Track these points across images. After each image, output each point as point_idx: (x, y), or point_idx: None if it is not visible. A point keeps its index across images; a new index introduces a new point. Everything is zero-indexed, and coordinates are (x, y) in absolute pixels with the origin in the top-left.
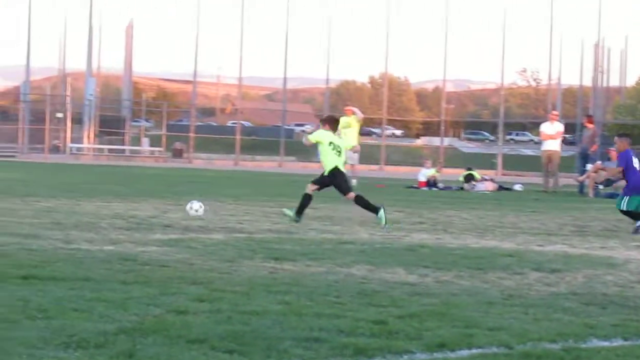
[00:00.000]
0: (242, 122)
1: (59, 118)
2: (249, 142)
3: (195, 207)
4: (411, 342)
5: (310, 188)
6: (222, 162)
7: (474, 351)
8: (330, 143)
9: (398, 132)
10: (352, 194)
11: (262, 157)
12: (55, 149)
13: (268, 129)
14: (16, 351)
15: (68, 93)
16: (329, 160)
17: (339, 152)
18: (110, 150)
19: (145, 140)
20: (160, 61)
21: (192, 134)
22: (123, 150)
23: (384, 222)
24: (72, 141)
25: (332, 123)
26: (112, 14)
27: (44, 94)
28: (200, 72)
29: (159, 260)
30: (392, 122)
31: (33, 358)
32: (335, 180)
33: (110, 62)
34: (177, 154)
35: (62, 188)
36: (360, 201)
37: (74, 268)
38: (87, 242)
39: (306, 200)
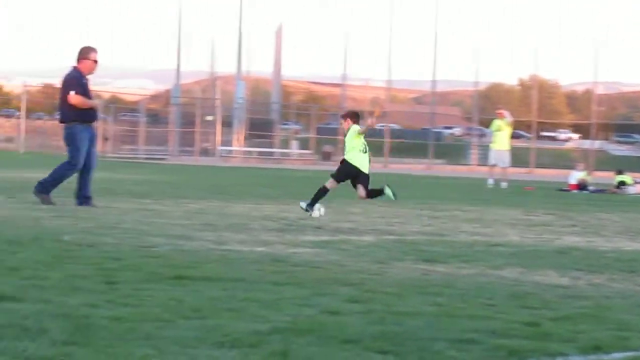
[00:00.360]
0: (391, 124)
1: (208, 121)
2: (398, 145)
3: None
4: (565, 344)
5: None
6: (371, 165)
7: (629, 354)
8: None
9: (575, 135)
10: (329, 184)
11: (410, 159)
12: (205, 152)
13: (416, 131)
14: (171, 350)
15: (218, 96)
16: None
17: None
18: (259, 153)
19: (294, 143)
20: (309, 64)
21: (340, 137)
22: (272, 153)
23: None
24: (222, 144)
25: (353, 117)
26: (261, 18)
27: (194, 97)
28: (349, 75)
29: (311, 261)
30: (541, 125)
31: (188, 357)
32: (339, 166)
33: (260, 65)
34: (326, 156)
35: (212, 190)
36: (321, 192)
37: (226, 269)
38: (239, 243)
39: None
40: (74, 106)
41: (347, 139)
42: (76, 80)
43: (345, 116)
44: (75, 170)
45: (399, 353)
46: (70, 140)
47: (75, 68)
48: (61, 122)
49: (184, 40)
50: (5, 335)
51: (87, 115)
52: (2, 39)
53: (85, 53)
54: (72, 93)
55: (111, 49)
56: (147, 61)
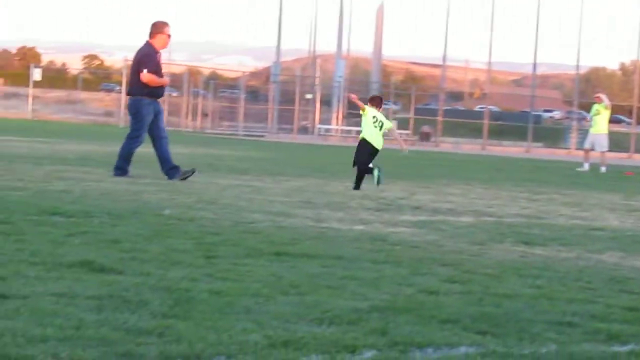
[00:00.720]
0: (490, 107)
1: (308, 99)
2: (497, 127)
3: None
4: None
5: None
6: (469, 147)
7: None
8: (374, 117)
9: None
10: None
11: (509, 142)
12: (304, 130)
13: (516, 114)
14: (271, 324)
15: (317, 75)
16: (365, 131)
17: (380, 127)
18: (357, 132)
19: (393, 123)
20: (409, 44)
21: (439, 118)
22: None
23: (376, 181)
24: (321, 122)
25: (376, 101)
26: None
27: (294, 75)
28: (449, 56)
29: (409, 241)
30: None
31: (288, 332)
32: (358, 148)
33: (360, 44)
34: (425, 137)
35: (311, 168)
36: (360, 176)
37: (325, 246)
38: (337, 222)
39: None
40: (144, 82)
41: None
42: (149, 58)
43: (370, 101)
44: (139, 142)
45: (498, 334)
46: (135, 112)
47: (148, 43)
48: (128, 94)
49: (285, 17)
50: (105, 306)
51: (154, 92)
52: (103, 14)
53: (159, 28)
54: (145, 71)
55: (212, 26)
56: (247, 38)
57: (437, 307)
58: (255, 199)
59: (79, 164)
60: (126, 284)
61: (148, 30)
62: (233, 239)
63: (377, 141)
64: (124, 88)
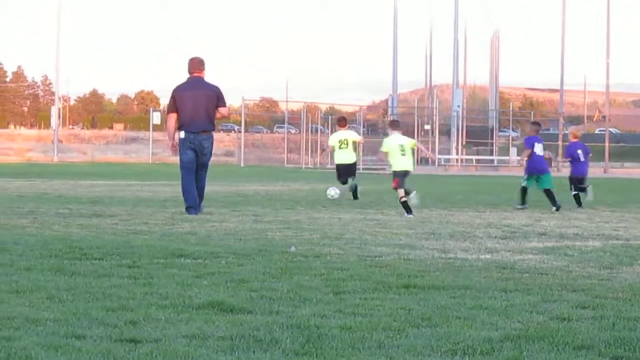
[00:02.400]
0: (610, 129)
1: (426, 130)
2: (618, 149)
3: (331, 192)
4: None
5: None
6: (590, 170)
7: None
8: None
9: None
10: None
11: (631, 164)
12: (425, 161)
13: (637, 135)
14: (403, 358)
15: (435, 105)
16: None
17: (346, 144)
18: (477, 161)
19: (513, 150)
20: (525, 70)
21: (560, 143)
22: (491, 161)
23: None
24: (440, 152)
25: (341, 122)
26: (477, 25)
27: (412, 107)
28: (567, 80)
29: (537, 268)
30: None
31: None
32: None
33: (476, 72)
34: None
35: (433, 198)
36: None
37: (453, 276)
38: (464, 251)
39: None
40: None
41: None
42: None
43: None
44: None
45: (634, 359)
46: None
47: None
48: (205, 131)
49: (400, 49)
50: (237, 347)
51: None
52: (223, 55)
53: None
54: (227, 106)
55: (328, 61)
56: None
57: (570, 334)
58: (379, 232)
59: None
60: (256, 323)
61: (196, 66)
62: (360, 274)
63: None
64: (242, 127)
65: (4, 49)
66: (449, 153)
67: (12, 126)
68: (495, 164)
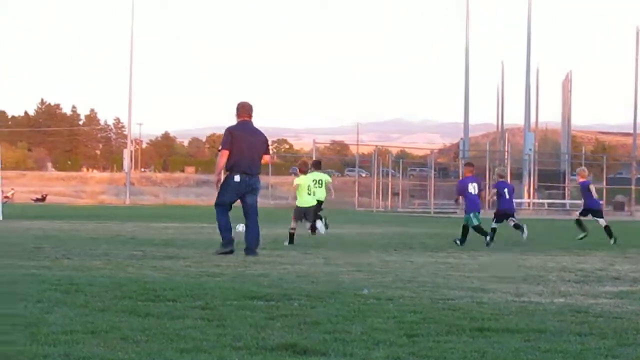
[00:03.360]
0: None
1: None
2: None
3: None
4: None
5: None
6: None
7: None
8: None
9: None
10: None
11: None
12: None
13: None
14: None
15: (507, 149)
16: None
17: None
18: (549, 205)
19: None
20: (597, 113)
21: (633, 187)
22: (563, 204)
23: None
24: None
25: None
26: (549, 67)
27: (483, 150)
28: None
29: (612, 311)
30: None
31: None
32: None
33: (548, 115)
34: (619, 206)
35: (505, 242)
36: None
37: (527, 320)
38: (537, 295)
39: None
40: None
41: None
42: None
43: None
44: None
45: None
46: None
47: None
48: (254, 175)
49: (471, 93)
50: None
51: None
52: (290, 99)
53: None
54: (270, 154)
55: (399, 104)
56: (434, 115)
57: None
58: (452, 275)
59: (273, 247)
60: None
61: (248, 111)
62: (433, 316)
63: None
64: None
65: (78, 92)
66: (520, 197)
67: (84, 169)
68: (567, 207)
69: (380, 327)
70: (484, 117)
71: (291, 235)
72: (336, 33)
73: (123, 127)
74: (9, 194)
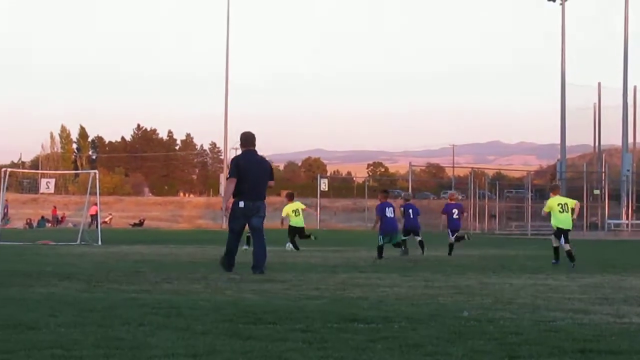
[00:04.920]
0: None
1: (596, 195)
2: None
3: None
4: None
5: None
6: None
7: None
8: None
9: None
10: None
11: None
12: (594, 226)
13: None
14: None
15: (604, 169)
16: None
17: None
18: None
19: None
20: None
21: None
22: None
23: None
24: (610, 217)
25: (289, 197)
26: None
27: (580, 172)
28: None
29: None
30: None
31: None
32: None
33: None
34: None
35: (604, 264)
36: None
37: (629, 341)
38: (638, 316)
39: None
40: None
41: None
42: None
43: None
44: None
45: None
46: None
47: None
48: (258, 200)
49: (568, 115)
50: None
51: None
52: (385, 122)
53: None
54: (274, 180)
55: (495, 127)
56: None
57: None
58: (552, 297)
59: (372, 271)
60: None
61: (253, 141)
62: (534, 338)
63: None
64: (410, 193)
65: (174, 117)
66: (618, 218)
67: (181, 194)
68: None
69: (482, 349)
70: (580, 138)
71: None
72: (433, 56)
73: (219, 151)
74: (107, 219)
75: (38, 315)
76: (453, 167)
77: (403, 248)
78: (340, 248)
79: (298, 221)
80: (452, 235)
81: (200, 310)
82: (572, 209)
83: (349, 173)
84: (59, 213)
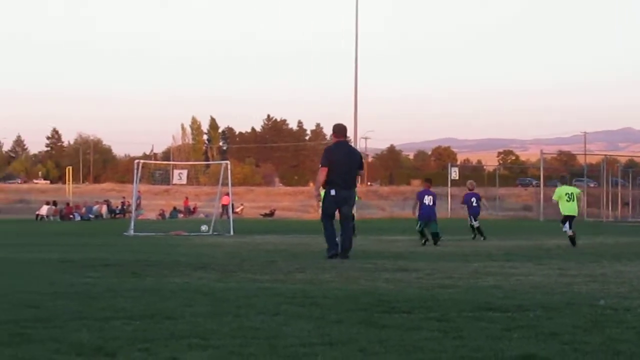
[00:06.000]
0: None
1: None
2: None
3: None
4: None
5: None
6: None
7: None
8: None
9: None
10: None
11: None
12: None
13: None
14: None
15: None
16: None
17: None
18: None
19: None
20: None
21: None
22: None
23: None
24: None
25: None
26: None
27: None
28: None
29: None
30: None
31: None
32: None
33: None
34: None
35: None
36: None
37: None
38: None
39: None
40: None
41: None
42: None
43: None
44: None
45: None
46: None
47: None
48: (348, 188)
49: None
50: None
51: None
52: (516, 109)
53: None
54: (363, 169)
55: (628, 113)
56: None
57: None
58: None
59: (505, 259)
60: None
61: (343, 131)
62: None
63: None
64: (542, 182)
65: (303, 108)
66: None
67: (311, 184)
68: None
69: (620, 337)
70: None
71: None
72: (564, 44)
73: (349, 141)
74: (238, 209)
75: (174, 305)
76: (585, 154)
77: (425, 240)
78: (468, 237)
79: None
80: (475, 220)
81: (334, 300)
82: (578, 198)
83: (479, 161)
84: (191, 204)
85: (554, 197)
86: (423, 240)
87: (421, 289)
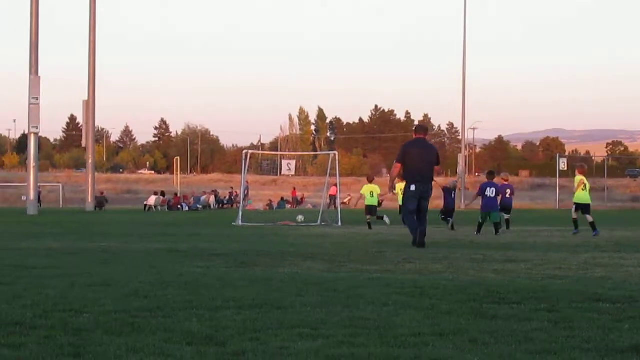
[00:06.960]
0: None
1: None
2: None
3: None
4: None
5: None
6: None
7: None
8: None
9: None
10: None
11: None
12: None
13: None
14: None
15: None
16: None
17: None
18: None
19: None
20: None
21: None
22: None
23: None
24: None
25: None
26: None
27: None
28: None
29: None
30: None
31: None
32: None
33: None
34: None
35: None
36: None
37: None
38: None
39: None
40: None
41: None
42: None
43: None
44: None
45: None
46: None
47: None
48: (426, 182)
49: None
50: None
51: None
52: (626, 101)
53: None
54: (440, 164)
55: None
56: None
57: None
58: None
59: (614, 250)
60: None
61: (423, 130)
62: None
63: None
64: None
65: (411, 98)
66: None
67: None
68: None
69: None
70: None
71: (368, 224)
72: None
73: (457, 132)
74: (345, 200)
75: (284, 295)
76: None
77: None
78: (580, 229)
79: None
80: (508, 213)
81: (444, 290)
82: (590, 188)
83: (587, 152)
84: (299, 194)
85: (575, 184)
86: (477, 233)
87: (530, 279)
